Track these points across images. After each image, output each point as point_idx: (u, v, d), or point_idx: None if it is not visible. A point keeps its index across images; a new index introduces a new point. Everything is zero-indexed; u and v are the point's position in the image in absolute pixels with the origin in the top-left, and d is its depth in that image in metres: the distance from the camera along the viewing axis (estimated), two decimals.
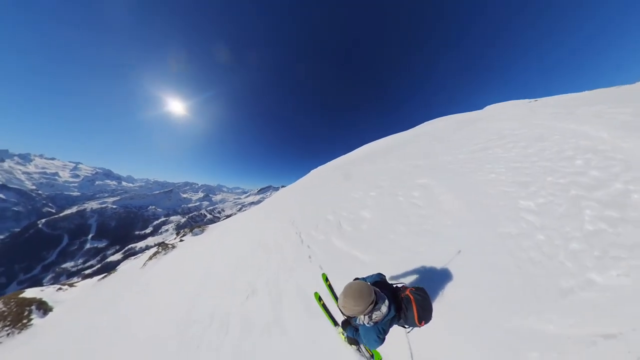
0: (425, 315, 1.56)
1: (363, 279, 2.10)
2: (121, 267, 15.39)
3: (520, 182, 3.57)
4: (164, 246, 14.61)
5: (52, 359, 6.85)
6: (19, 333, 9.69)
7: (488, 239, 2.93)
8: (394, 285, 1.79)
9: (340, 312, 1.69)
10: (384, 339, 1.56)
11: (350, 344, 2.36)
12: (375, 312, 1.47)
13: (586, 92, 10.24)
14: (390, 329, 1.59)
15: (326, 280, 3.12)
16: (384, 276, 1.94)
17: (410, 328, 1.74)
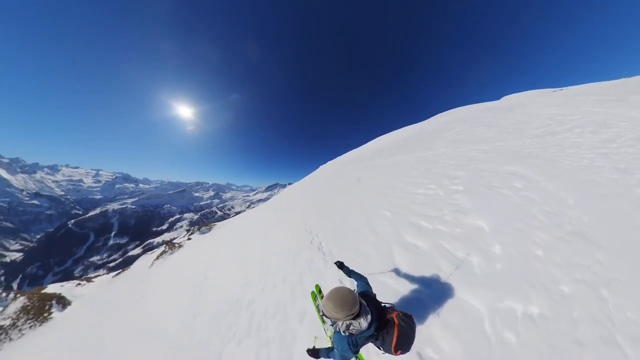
0: (404, 345, 1.43)
1: (349, 269, 2.11)
2: (135, 264, 15.99)
3: (620, 168, 3.21)
4: (171, 245, 14.93)
5: (61, 349, 7.17)
6: (40, 325, 10.32)
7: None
8: (382, 304, 1.70)
9: (322, 311, 1.56)
10: (356, 352, 1.50)
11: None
12: (354, 323, 1.41)
13: (613, 81, 9.84)
14: (367, 345, 1.47)
15: (319, 292, 2.94)
16: (368, 282, 1.85)
17: (384, 352, 1.59)
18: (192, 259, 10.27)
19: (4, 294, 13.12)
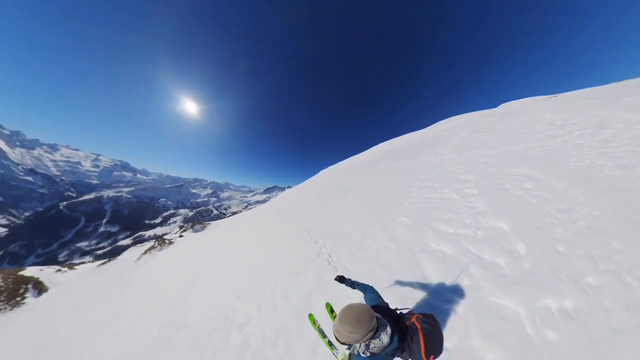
0: (434, 348, 1.32)
1: (351, 281, 1.97)
2: (122, 255, 15.33)
3: (621, 165, 3.39)
4: (160, 241, 14.32)
5: (23, 342, 6.58)
6: (10, 310, 9.64)
7: None
8: (398, 311, 1.58)
9: (334, 337, 1.37)
10: None
11: None
12: (374, 341, 1.27)
13: (604, 86, 10.41)
14: None
15: (331, 311, 2.63)
16: (377, 292, 1.72)
17: None
18: (181, 259, 9.68)
19: None
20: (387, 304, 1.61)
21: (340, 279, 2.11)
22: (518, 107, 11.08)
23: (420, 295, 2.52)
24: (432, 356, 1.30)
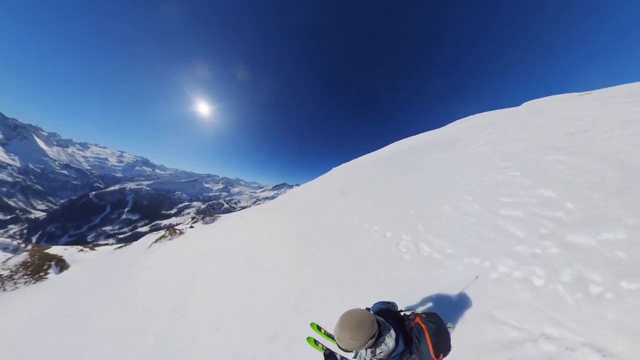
0: (442, 347, 1.30)
1: (373, 307, 1.90)
2: (139, 241, 15.93)
3: None
4: (171, 230, 14.62)
5: (47, 312, 6.89)
6: (34, 283, 10.31)
7: None
8: (402, 313, 1.57)
9: (337, 346, 1.27)
10: None
11: None
12: (379, 346, 1.23)
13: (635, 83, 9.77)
14: None
15: (319, 329, 2.64)
16: (393, 304, 1.68)
17: None
18: (187, 253, 9.48)
19: (22, 245, 13.64)
20: (391, 305, 1.58)
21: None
22: (547, 105, 10.33)
23: (521, 234, 2.88)
24: (441, 355, 1.28)
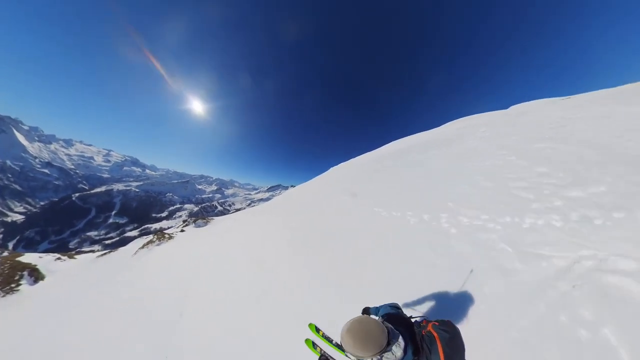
0: (455, 358, 1.19)
1: (375, 308, 1.76)
2: (126, 247, 14.87)
3: (617, 135, 4.42)
4: (160, 235, 13.64)
5: (15, 329, 6.03)
6: (3, 296, 9.24)
7: None
8: (412, 319, 1.45)
9: (337, 347, 1.25)
10: None
11: None
12: (386, 355, 1.13)
13: (620, 87, 10.66)
14: None
15: (317, 331, 2.57)
16: (399, 308, 1.58)
17: None
18: (177, 258, 8.75)
19: None
20: (399, 311, 1.51)
21: (365, 311, 1.96)
22: (532, 107, 11.26)
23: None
24: None
